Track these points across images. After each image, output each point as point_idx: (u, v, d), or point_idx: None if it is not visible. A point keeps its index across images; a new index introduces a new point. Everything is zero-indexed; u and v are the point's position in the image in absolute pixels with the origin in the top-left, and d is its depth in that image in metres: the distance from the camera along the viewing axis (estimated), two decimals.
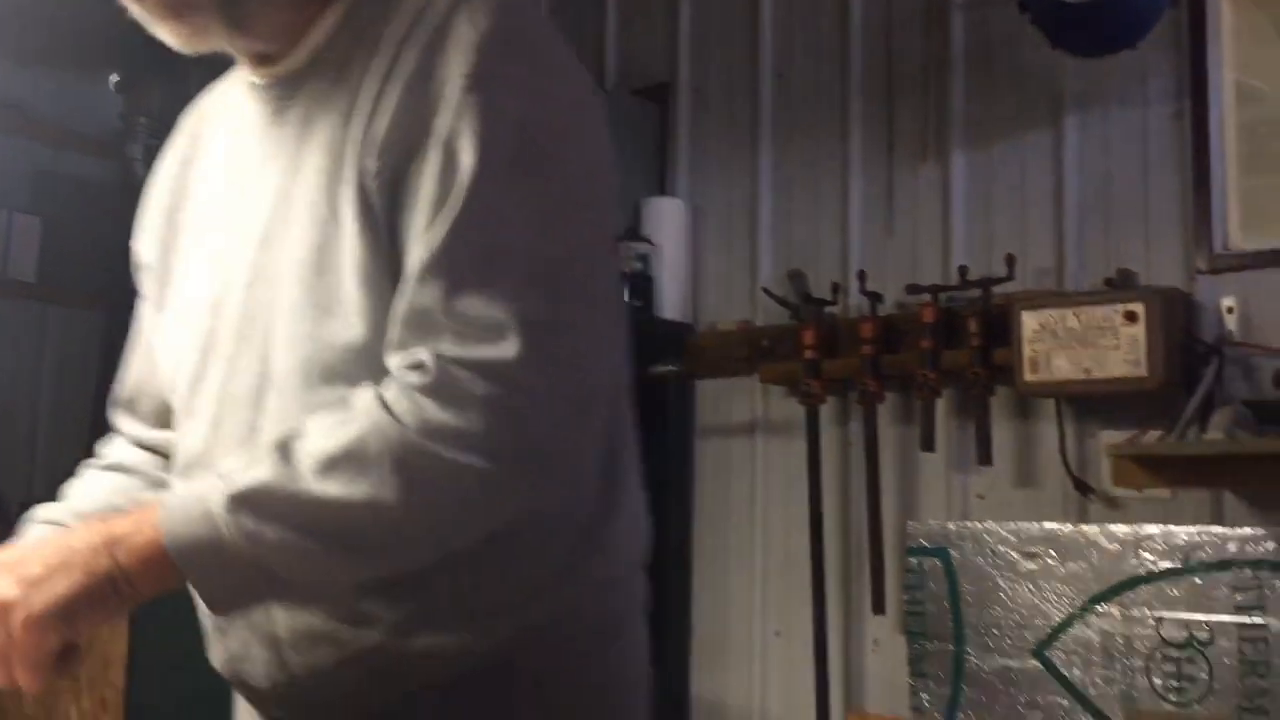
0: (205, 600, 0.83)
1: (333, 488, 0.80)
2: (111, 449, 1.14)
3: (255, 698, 0.96)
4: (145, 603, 0.84)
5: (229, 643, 0.94)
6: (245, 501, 0.80)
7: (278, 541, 0.80)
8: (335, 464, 0.80)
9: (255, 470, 0.81)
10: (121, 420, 1.14)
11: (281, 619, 0.89)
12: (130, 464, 1.11)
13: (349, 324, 0.86)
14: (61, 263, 2.81)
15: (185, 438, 0.99)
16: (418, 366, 0.81)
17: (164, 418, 1.09)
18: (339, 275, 0.86)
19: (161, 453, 1.10)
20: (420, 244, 0.83)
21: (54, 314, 2.85)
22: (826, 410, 2.68)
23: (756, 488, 2.82)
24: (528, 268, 0.83)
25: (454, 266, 0.82)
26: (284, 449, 0.82)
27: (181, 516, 0.80)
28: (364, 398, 0.83)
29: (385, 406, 0.81)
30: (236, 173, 0.98)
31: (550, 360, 0.82)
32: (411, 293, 0.83)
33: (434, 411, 0.80)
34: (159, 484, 1.11)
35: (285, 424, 0.87)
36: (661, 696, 2.97)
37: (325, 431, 0.82)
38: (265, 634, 0.91)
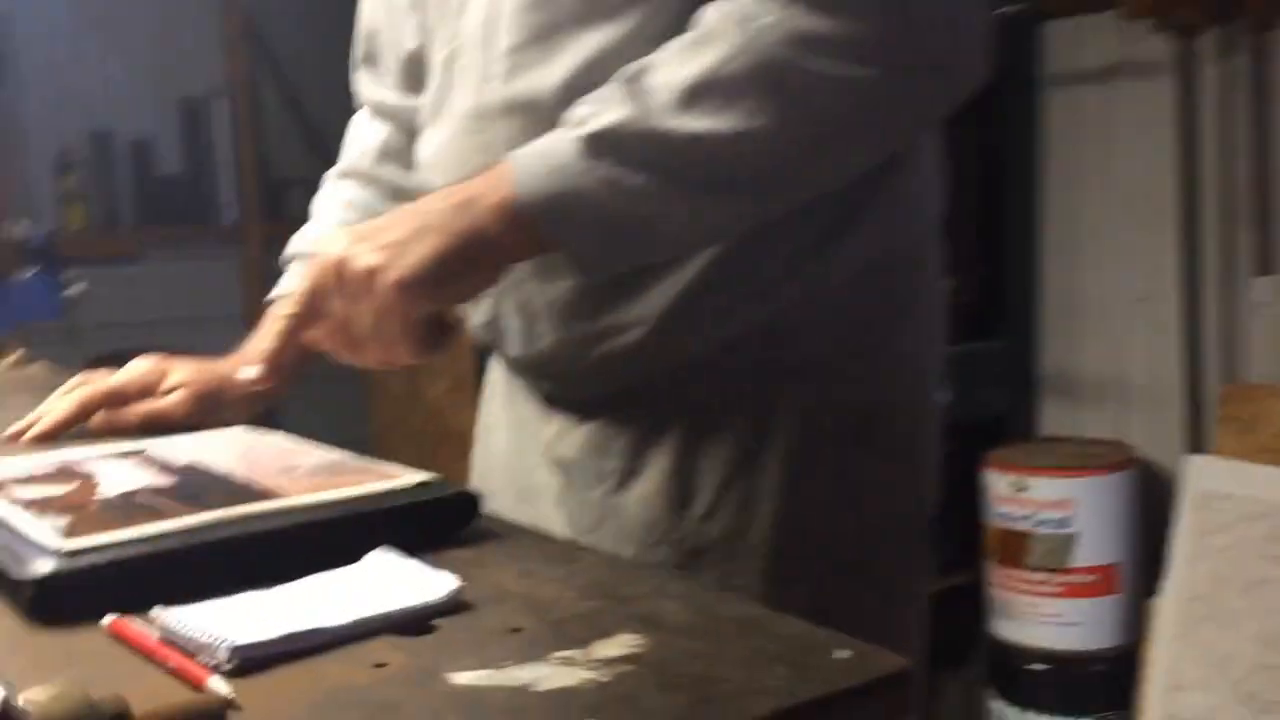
0: (573, 261, 0.76)
1: (697, 121, 0.71)
2: (348, 147, 1.12)
3: (509, 363, 0.94)
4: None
5: (484, 307, 0.90)
6: (600, 146, 0.72)
7: (640, 187, 0.72)
8: (697, 93, 0.70)
9: (607, 112, 0.72)
10: (363, 83, 1.10)
11: (535, 290, 0.83)
12: (365, 169, 1.08)
13: None
14: None
15: (424, 91, 0.93)
16: None
17: (410, 77, 1.02)
18: None
19: (408, 127, 1.04)
20: None
21: None
22: (1204, 44, 2.30)
23: (1115, 139, 2.51)
24: None
25: None
26: (635, 83, 0.72)
27: (533, 170, 0.73)
28: (717, 13, 0.72)
29: (746, 20, 0.70)
30: None
31: None
32: None
33: (805, 18, 0.69)
34: (398, 194, 1.07)
35: (515, 63, 0.80)
36: (1007, 371, 2.82)
37: (679, 58, 0.72)
38: (519, 304, 0.86)
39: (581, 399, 0.91)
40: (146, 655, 0.54)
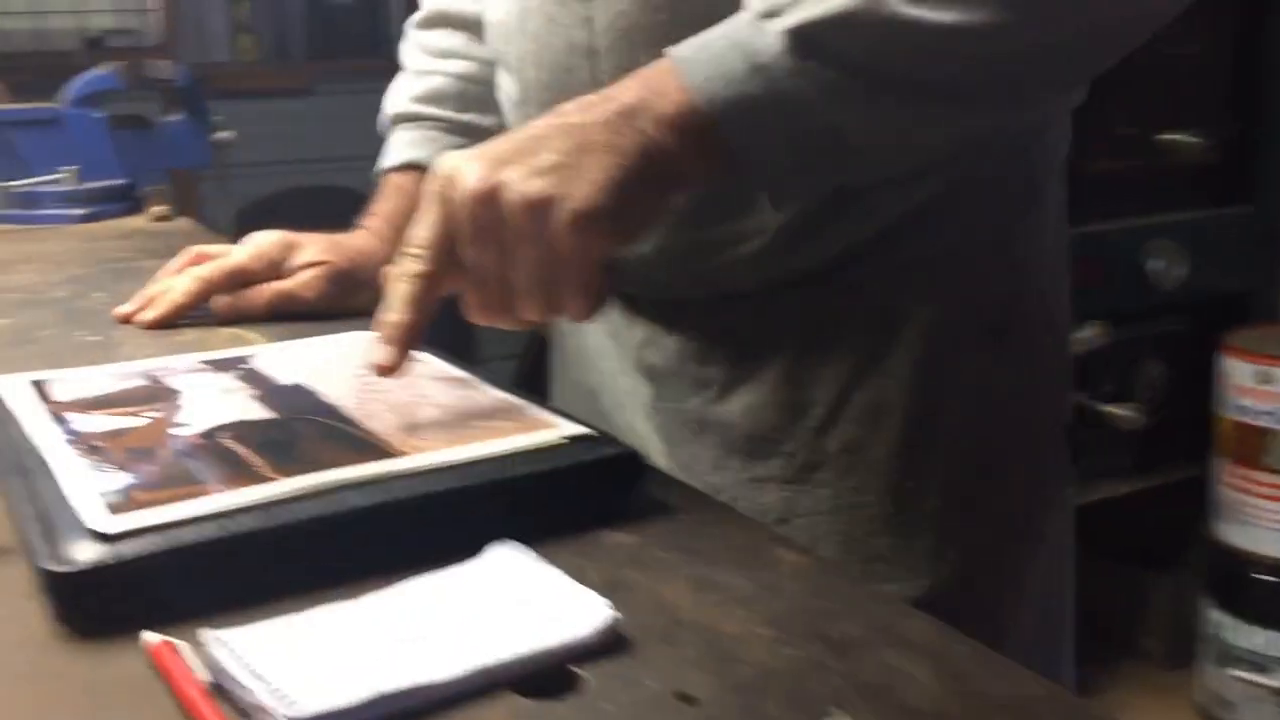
0: (761, 184, 0.61)
1: (940, 11, 0.55)
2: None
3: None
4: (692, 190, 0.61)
5: None
6: (811, 42, 0.56)
7: (861, 94, 0.57)
8: None
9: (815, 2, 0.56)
10: None
11: None
12: (460, 8, 0.95)
13: None
14: None
15: None
16: None
17: None
18: None
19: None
20: None
21: None
22: None
23: None
24: None
25: None
26: None
27: (717, 70, 0.57)
28: None
29: None
30: None
31: None
32: None
33: None
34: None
35: None
36: (1257, 243, 2.49)
37: None
38: None
39: (675, 304, 0.78)
40: (186, 708, 0.40)
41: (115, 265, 1.12)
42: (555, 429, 0.56)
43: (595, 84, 0.61)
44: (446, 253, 0.58)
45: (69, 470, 0.52)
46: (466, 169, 0.56)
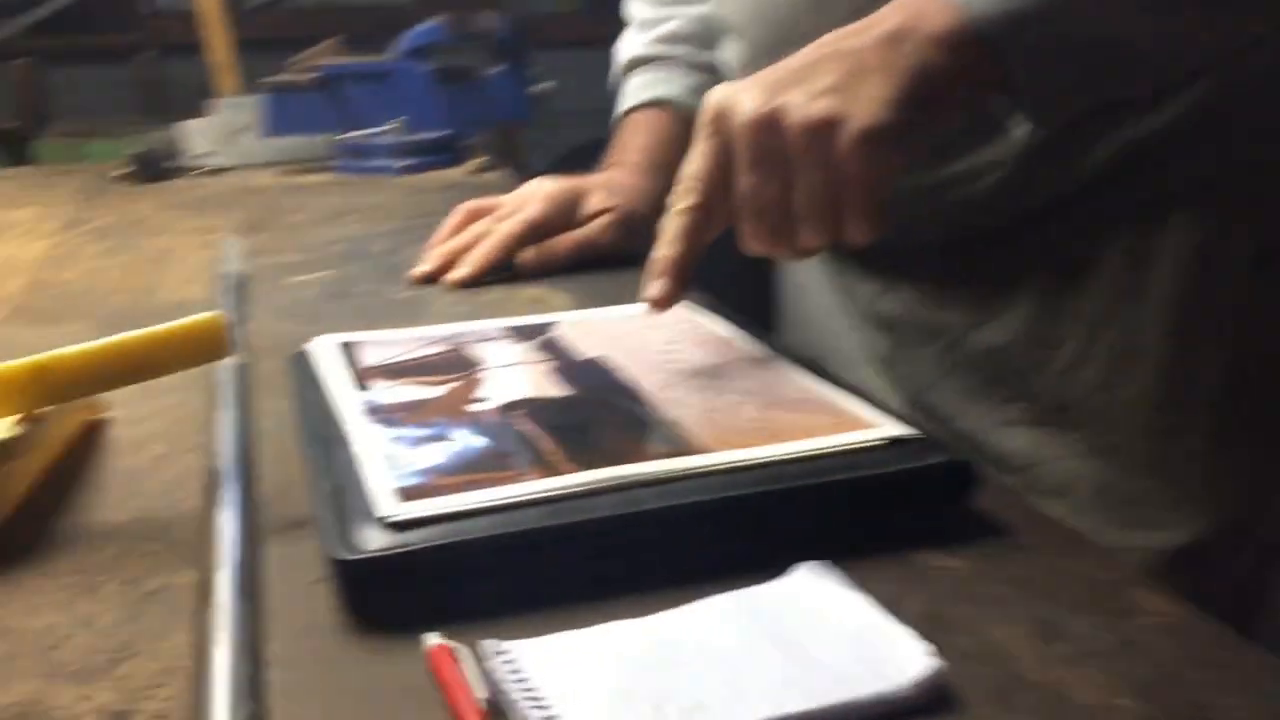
0: (1029, 103, 0.58)
1: None
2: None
3: None
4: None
5: None
6: None
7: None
8: None
9: None
10: None
11: None
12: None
13: None
14: None
15: None
16: None
17: None
18: None
19: None
20: None
21: None
22: None
23: None
24: None
25: None
26: None
27: None
28: None
29: None
30: None
31: None
32: None
33: None
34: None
35: None
36: None
37: None
38: None
39: (909, 250, 0.75)
40: None
41: (432, 219, 1.13)
42: (875, 428, 0.50)
43: (822, 35, 0.59)
44: (720, 184, 0.57)
45: (367, 447, 0.50)
46: (743, 96, 0.56)
